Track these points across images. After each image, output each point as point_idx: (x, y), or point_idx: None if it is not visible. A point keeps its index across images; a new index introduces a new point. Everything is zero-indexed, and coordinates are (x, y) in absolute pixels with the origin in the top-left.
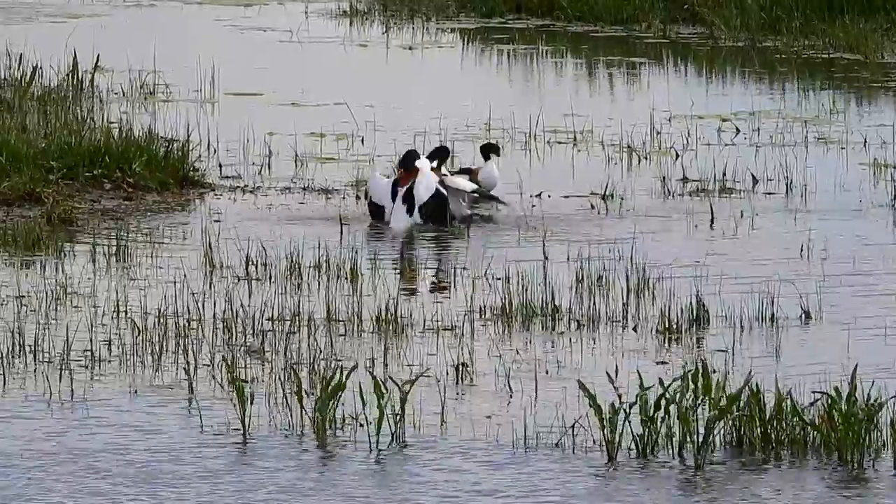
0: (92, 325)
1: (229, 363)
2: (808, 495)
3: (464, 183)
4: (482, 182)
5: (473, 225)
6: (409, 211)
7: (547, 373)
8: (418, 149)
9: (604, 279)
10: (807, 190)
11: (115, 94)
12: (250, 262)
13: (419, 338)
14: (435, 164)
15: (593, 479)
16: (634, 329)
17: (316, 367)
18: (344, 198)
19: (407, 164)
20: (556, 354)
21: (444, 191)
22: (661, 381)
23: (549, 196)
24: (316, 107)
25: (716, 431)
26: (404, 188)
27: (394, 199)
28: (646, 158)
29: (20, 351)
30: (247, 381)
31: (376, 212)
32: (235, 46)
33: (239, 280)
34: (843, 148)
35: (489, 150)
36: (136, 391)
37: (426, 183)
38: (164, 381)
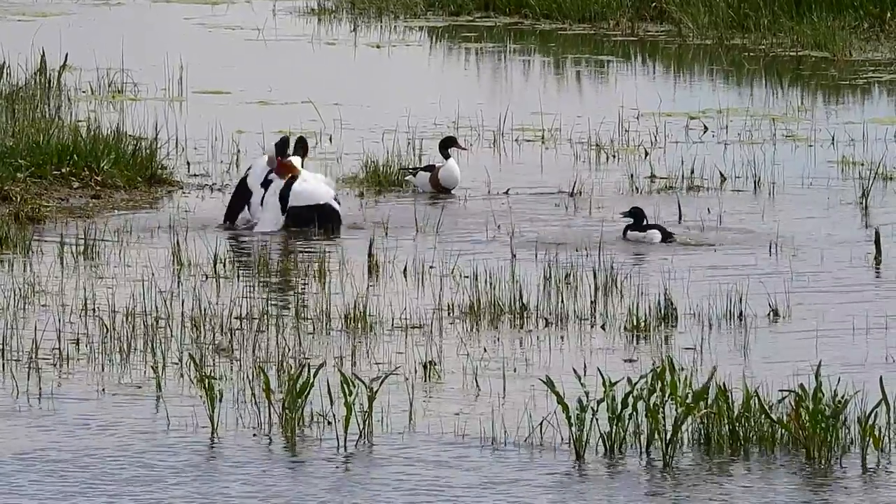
0: (60, 324)
1: (197, 361)
2: (776, 492)
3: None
4: (443, 180)
5: (442, 222)
6: (283, 211)
7: (515, 371)
8: (385, 147)
9: (571, 277)
10: (775, 187)
11: (83, 92)
12: (218, 260)
13: (387, 336)
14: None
15: (561, 477)
16: (602, 327)
17: (284, 365)
18: None
19: (280, 151)
20: (524, 352)
21: (323, 203)
22: (628, 379)
23: (518, 193)
24: (284, 105)
25: (683, 429)
26: (281, 183)
27: (265, 188)
28: (614, 156)
29: None
30: (215, 380)
31: (242, 194)
32: (203, 45)
33: (207, 278)
34: (811, 145)
35: (448, 145)
36: (103, 389)
37: (303, 189)
38: (133, 380)
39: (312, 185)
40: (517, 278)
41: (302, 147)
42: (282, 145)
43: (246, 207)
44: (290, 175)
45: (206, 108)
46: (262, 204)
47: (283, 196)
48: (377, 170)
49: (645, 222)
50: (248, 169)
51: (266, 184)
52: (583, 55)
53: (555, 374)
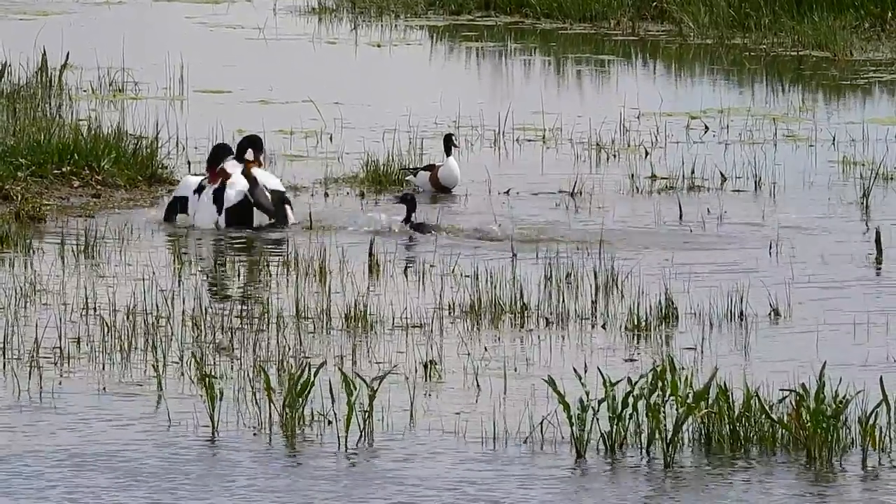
0: (61, 323)
1: (198, 360)
2: (776, 492)
3: (273, 182)
4: (442, 179)
5: (441, 222)
6: (219, 211)
7: (515, 370)
8: (386, 146)
9: (572, 276)
10: (775, 187)
11: (84, 91)
12: (218, 259)
13: (388, 335)
14: (249, 154)
15: (562, 476)
16: (603, 326)
17: (285, 364)
18: (312, 195)
19: (212, 161)
20: (525, 352)
21: (251, 198)
22: (629, 379)
23: (518, 193)
24: (284, 104)
25: (684, 429)
26: (213, 186)
27: (198, 194)
28: (614, 156)
29: None
30: (216, 378)
31: (177, 204)
32: (204, 44)
33: (207, 277)
34: (811, 145)
35: (449, 142)
36: (104, 388)
37: (237, 187)
38: (133, 379)
39: (242, 186)
40: (518, 278)
41: (253, 146)
42: (213, 155)
43: (187, 212)
44: (220, 179)
45: (206, 107)
46: (197, 205)
47: (218, 196)
48: (377, 169)
49: (414, 214)
50: (178, 185)
51: (199, 189)
52: (583, 55)
53: (555, 373)
